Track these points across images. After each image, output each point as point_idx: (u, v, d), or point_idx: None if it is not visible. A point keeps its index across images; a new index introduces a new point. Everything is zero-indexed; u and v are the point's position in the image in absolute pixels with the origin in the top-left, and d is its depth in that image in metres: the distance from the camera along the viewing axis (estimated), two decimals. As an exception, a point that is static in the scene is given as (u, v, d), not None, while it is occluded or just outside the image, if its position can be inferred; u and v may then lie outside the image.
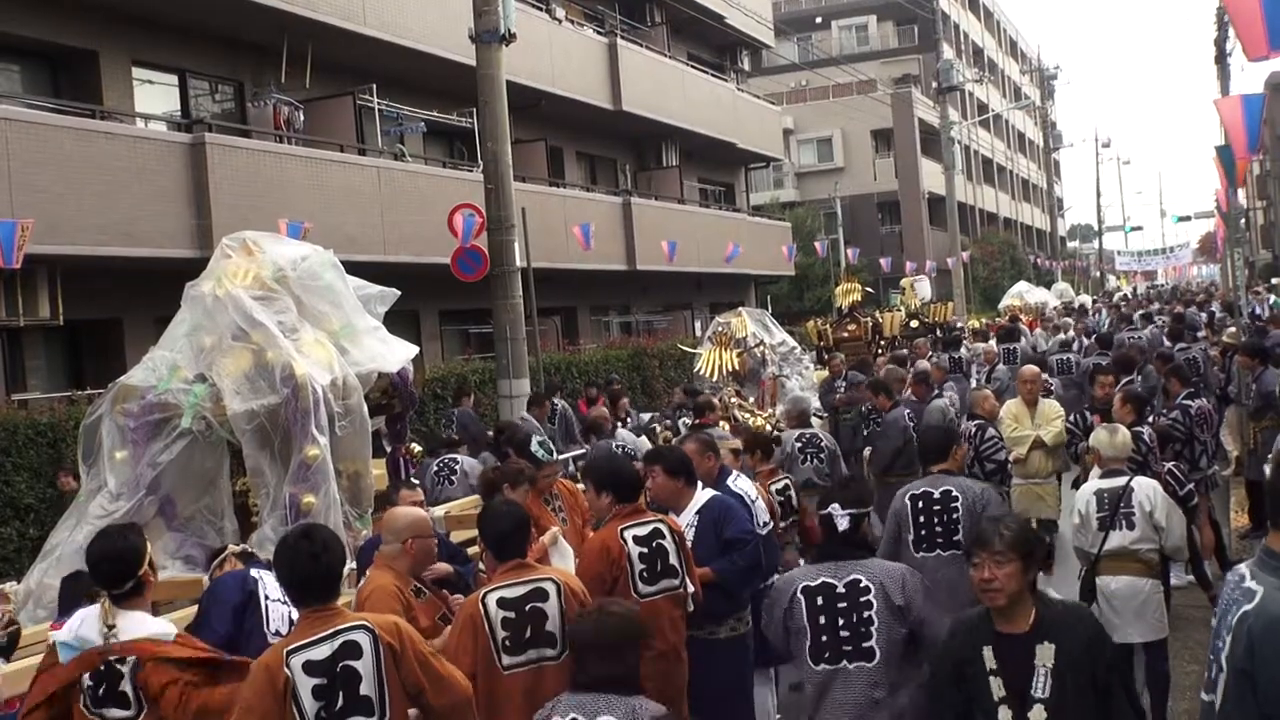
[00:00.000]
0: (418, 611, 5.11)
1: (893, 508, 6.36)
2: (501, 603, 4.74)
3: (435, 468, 11.09)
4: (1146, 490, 6.82)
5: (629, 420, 14.07)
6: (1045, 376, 13.41)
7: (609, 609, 4.17)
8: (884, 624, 4.66)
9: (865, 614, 4.68)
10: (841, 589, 4.72)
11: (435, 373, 16.13)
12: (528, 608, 4.76)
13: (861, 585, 4.72)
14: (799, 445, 9.94)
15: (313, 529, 4.36)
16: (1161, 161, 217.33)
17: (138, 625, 4.50)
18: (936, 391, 12.42)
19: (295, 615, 4.79)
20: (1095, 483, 7.07)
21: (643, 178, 28.97)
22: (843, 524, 4.87)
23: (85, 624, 4.47)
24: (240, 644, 4.92)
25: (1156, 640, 6.83)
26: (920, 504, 6.33)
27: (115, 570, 4.54)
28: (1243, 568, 3.14)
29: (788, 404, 11.55)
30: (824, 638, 4.70)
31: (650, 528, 5.66)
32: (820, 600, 4.72)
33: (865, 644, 4.65)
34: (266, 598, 5.08)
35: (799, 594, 4.77)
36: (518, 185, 14.92)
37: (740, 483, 6.92)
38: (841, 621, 4.70)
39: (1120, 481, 6.88)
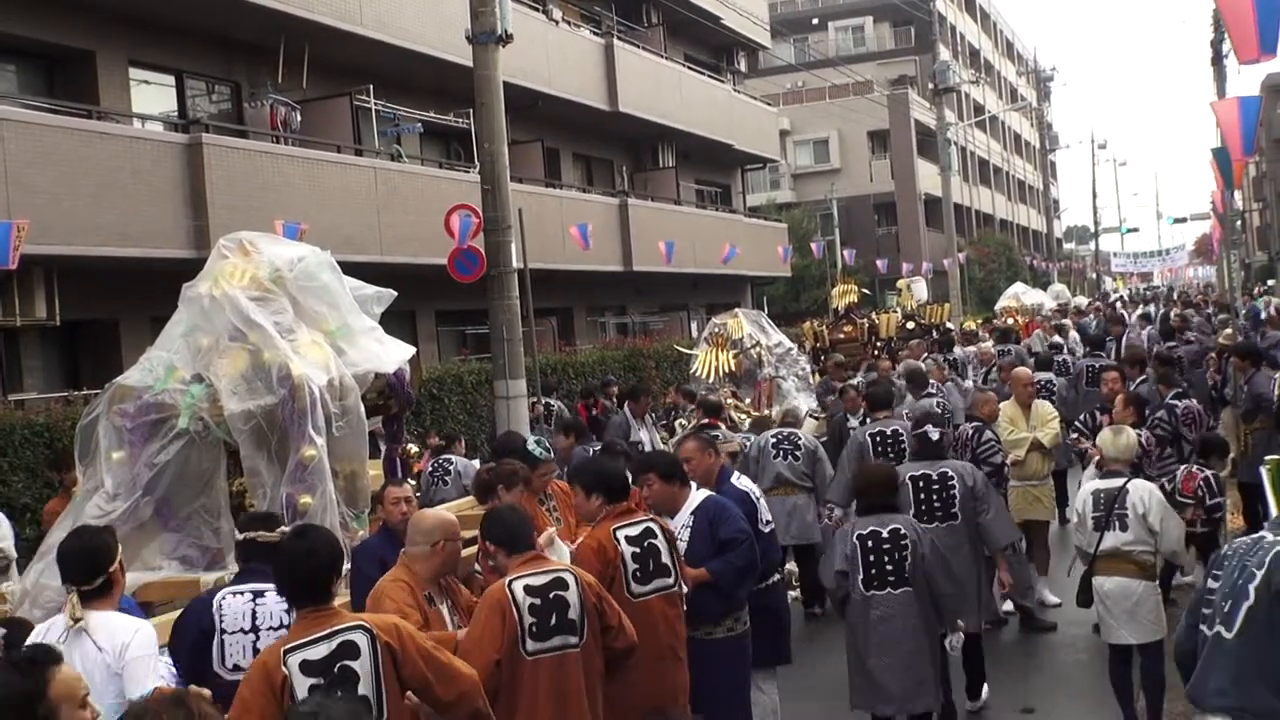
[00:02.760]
0: (431, 617, 5.09)
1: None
2: (528, 589, 4.82)
3: (430, 468, 11.10)
4: (1141, 493, 6.87)
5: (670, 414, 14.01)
6: (1051, 377, 13.48)
7: (871, 467, 7.50)
8: (963, 498, 7.56)
9: (951, 493, 7.57)
10: (935, 477, 7.63)
11: (431, 373, 16.13)
12: (551, 595, 4.84)
13: (949, 475, 7.63)
14: (773, 441, 9.96)
15: (307, 529, 4.38)
16: (1158, 163, 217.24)
17: (106, 623, 4.53)
18: (927, 391, 12.51)
19: (260, 645, 4.80)
20: (1094, 483, 7.13)
21: (639, 179, 28.97)
22: (934, 436, 7.90)
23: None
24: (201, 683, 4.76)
25: (1152, 641, 6.86)
26: (884, 439, 9.59)
27: (86, 566, 4.62)
28: (1255, 535, 3.64)
29: (782, 409, 11.57)
30: (923, 508, 7.51)
31: (642, 527, 5.70)
32: (921, 484, 7.58)
33: (951, 510, 7.57)
34: (223, 631, 4.94)
35: (906, 480, 7.48)
36: (514, 186, 14.91)
37: (743, 482, 6.94)
38: (935, 498, 7.59)
39: (1118, 483, 6.93)
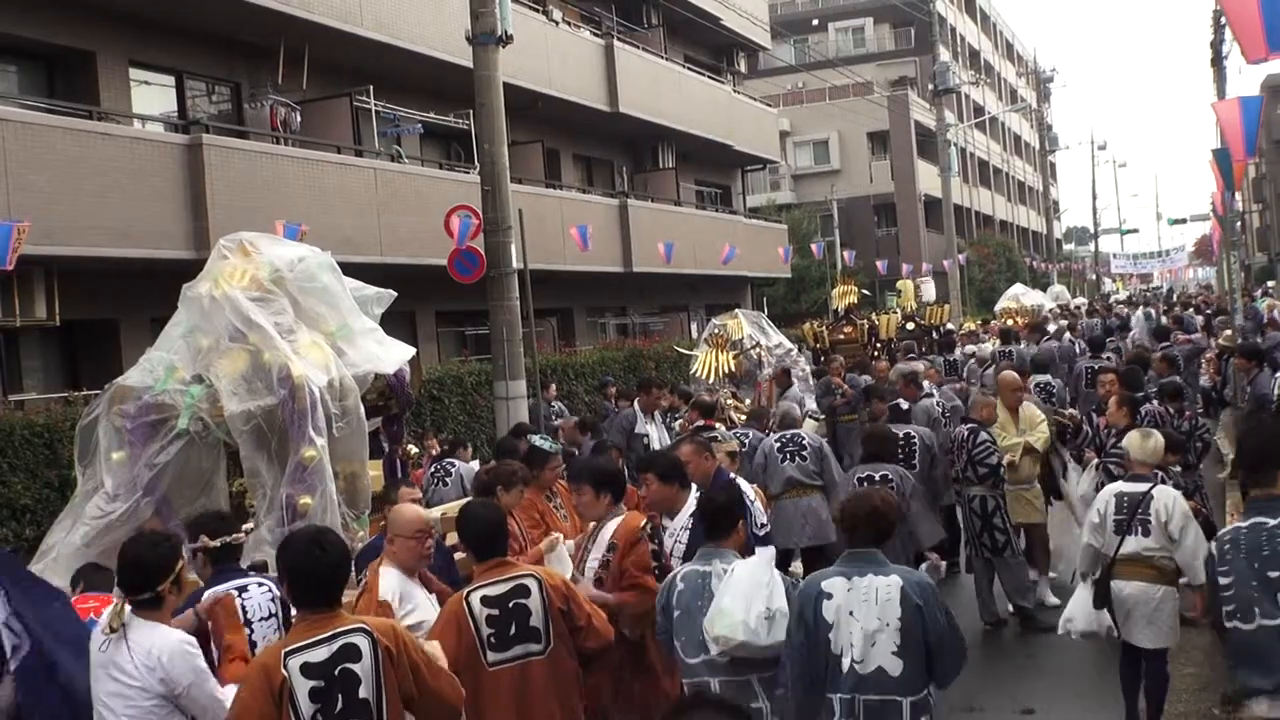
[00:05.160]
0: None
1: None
2: (485, 600, 4.81)
3: (431, 470, 11.09)
4: (1166, 499, 6.82)
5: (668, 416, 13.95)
6: (1049, 379, 13.46)
7: (876, 426, 9.67)
8: (921, 453, 10.00)
9: (912, 447, 9.93)
10: (901, 436, 9.84)
11: (431, 374, 16.13)
12: (511, 604, 4.83)
13: (911, 435, 10.11)
14: (778, 446, 9.95)
15: (323, 533, 4.37)
16: (1158, 164, 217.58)
17: (148, 637, 4.45)
18: (926, 392, 12.56)
19: (254, 638, 4.84)
20: (1118, 485, 7.07)
21: (639, 179, 28.96)
22: (904, 405, 10.97)
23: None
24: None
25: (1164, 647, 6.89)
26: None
27: (135, 579, 4.53)
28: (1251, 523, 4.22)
29: (779, 412, 11.55)
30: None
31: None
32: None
33: (912, 462, 9.79)
34: (248, 623, 5.02)
35: None
36: (514, 187, 14.91)
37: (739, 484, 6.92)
38: (900, 452, 9.61)
39: (1143, 487, 6.90)
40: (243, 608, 4.99)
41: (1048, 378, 13.37)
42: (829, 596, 4.67)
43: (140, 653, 4.40)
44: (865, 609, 4.60)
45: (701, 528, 5.52)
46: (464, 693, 4.38)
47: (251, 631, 4.95)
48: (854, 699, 4.56)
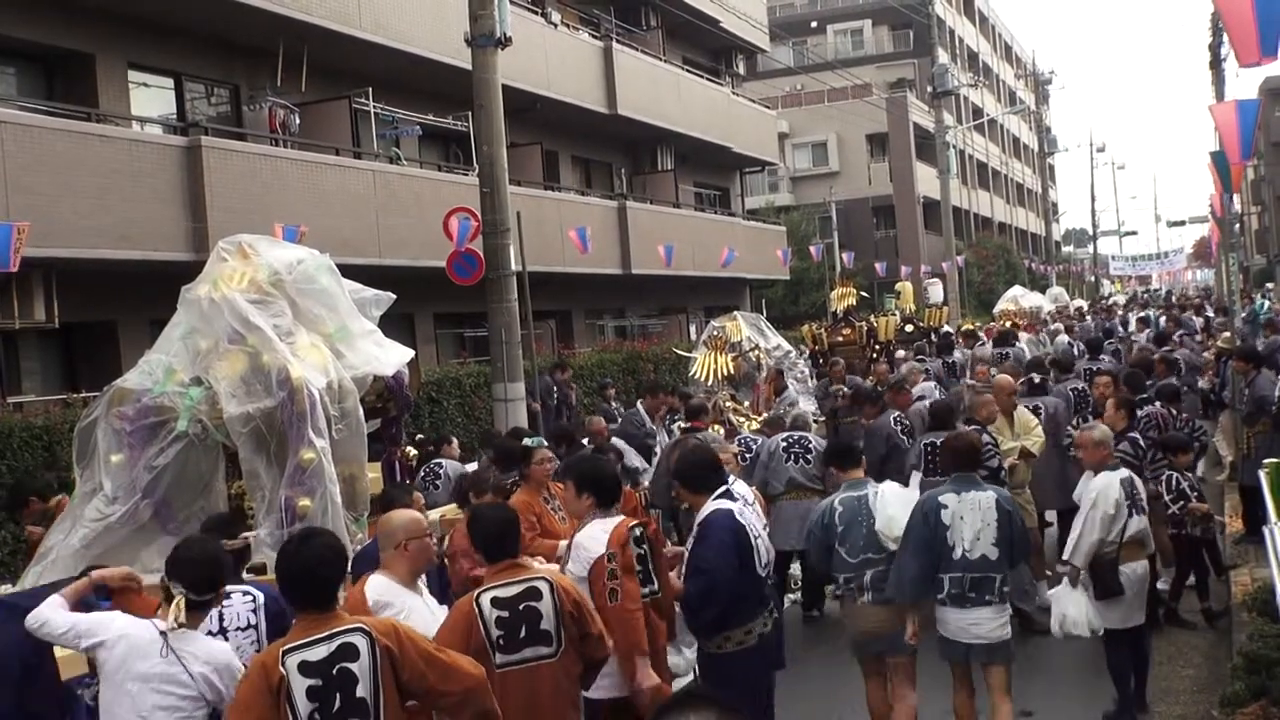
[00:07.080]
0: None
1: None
2: (495, 602, 4.79)
3: (421, 472, 11.05)
4: (1136, 479, 7.40)
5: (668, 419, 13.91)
6: (1040, 403, 13.38)
7: (941, 401, 10.38)
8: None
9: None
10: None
11: (430, 376, 16.13)
12: (521, 607, 4.80)
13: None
14: (784, 445, 9.94)
15: (315, 534, 4.37)
16: (1156, 167, 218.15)
17: (199, 648, 4.46)
18: (919, 396, 12.56)
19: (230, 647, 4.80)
20: (1114, 474, 7.31)
21: (638, 181, 28.98)
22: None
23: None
24: None
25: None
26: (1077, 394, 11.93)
27: (207, 576, 4.53)
28: None
29: (780, 412, 11.55)
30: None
31: (639, 530, 5.77)
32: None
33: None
34: (224, 631, 4.99)
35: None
36: (513, 189, 14.92)
37: (737, 487, 6.90)
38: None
39: (1126, 472, 7.32)
40: (220, 615, 4.95)
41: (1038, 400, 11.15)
42: (945, 506, 6.44)
43: (196, 664, 4.40)
44: (972, 514, 6.40)
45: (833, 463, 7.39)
46: (483, 669, 4.36)
47: (227, 640, 4.89)
48: (964, 576, 6.35)
